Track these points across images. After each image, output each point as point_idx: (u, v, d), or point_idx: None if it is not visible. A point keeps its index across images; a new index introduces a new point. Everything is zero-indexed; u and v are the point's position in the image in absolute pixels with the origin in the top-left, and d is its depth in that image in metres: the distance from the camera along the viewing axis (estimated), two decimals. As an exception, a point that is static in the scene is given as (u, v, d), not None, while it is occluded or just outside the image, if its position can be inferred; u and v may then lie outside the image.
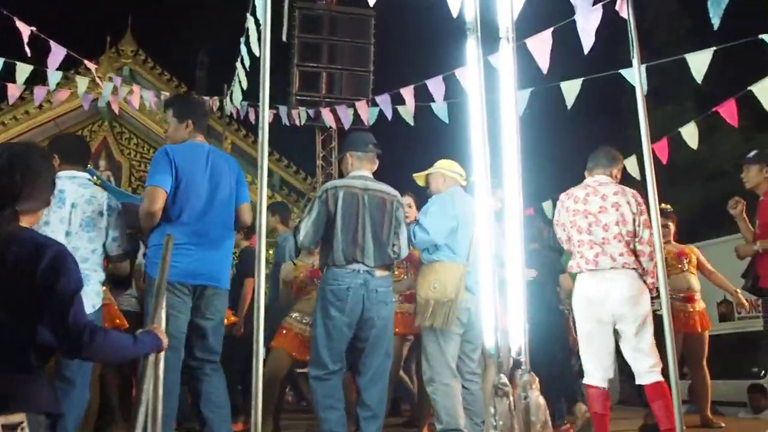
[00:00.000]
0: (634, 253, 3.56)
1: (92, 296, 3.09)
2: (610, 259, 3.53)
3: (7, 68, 5.33)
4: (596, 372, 3.56)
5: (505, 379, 2.42)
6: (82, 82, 6.49)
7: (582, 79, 4.75)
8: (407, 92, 5.10)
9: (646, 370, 3.48)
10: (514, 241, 2.69)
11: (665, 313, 2.93)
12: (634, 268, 3.53)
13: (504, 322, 2.65)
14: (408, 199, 4.56)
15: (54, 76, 5.76)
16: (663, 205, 5.03)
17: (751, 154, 4.27)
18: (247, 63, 4.32)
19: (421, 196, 4.42)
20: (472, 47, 2.66)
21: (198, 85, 15.63)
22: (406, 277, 4.59)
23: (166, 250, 2.46)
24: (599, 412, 3.54)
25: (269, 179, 13.39)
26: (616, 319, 3.52)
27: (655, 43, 14.66)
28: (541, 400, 2.44)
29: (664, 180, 14.21)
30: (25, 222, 1.84)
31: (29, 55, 5.11)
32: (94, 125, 13.76)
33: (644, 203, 3.62)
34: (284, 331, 4.35)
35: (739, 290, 4.93)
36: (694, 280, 4.96)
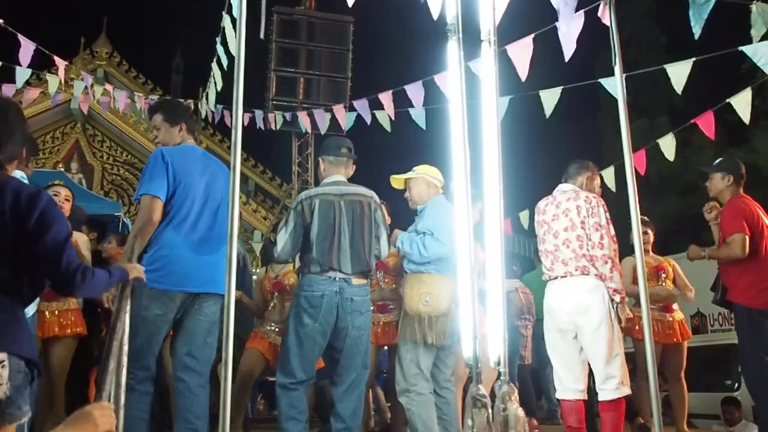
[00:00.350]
0: (590, 258, 3.47)
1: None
2: (561, 265, 3.51)
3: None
4: (567, 383, 3.50)
5: (483, 390, 2.35)
6: (53, 82, 6.31)
7: (561, 87, 4.73)
8: (386, 97, 5.04)
9: (599, 386, 3.40)
10: (494, 250, 2.63)
11: (645, 323, 2.88)
12: (586, 274, 3.45)
13: (483, 331, 2.58)
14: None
15: (23, 74, 5.60)
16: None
17: (715, 162, 4.29)
18: (224, 62, 4.22)
19: (394, 202, 4.35)
20: (453, 49, 2.61)
21: (173, 89, 15.44)
22: (380, 286, 4.47)
23: (132, 253, 2.37)
24: (574, 426, 3.46)
25: (244, 185, 13.25)
26: (576, 328, 3.47)
27: (629, 56, 14.86)
28: (521, 413, 2.37)
29: (639, 192, 14.43)
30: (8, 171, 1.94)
31: None
32: (66, 127, 13.53)
33: (599, 206, 3.57)
34: (259, 337, 4.27)
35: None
36: (672, 291, 4.96)
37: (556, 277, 3.54)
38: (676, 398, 4.95)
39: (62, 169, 11.63)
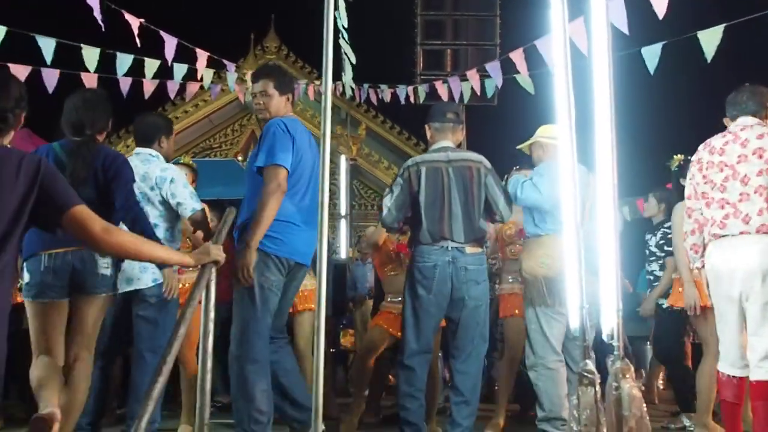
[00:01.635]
0: None
1: (154, 269, 3.26)
2: (742, 223, 2.91)
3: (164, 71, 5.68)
4: (734, 358, 2.98)
5: (590, 366, 2.14)
6: (231, 78, 6.87)
7: (723, 25, 4.16)
8: (518, 59, 4.77)
9: (755, 363, 2.85)
10: (606, 213, 2.41)
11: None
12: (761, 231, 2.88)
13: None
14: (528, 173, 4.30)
15: (206, 75, 6.16)
16: None
17: None
18: (345, 36, 4.24)
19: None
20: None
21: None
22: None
23: (224, 223, 2.47)
24: (731, 401, 3.00)
25: (401, 161, 13.43)
26: (749, 294, 2.88)
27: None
28: (636, 392, 2.13)
29: None
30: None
31: (171, 63, 5.43)
32: (243, 119, 14.60)
33: None
34: (385, 312, 4.26)
35: None
36: None
37: (727, 235, 2.94)
38: None
39: (240, 158, 12.66)
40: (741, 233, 2.90)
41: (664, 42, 4.50)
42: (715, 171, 3.04)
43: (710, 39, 4.27)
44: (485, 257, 3.48)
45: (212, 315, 2.41)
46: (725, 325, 3.02)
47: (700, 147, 3.19)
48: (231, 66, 6.59)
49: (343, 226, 8.28)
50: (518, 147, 3.94)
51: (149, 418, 1.84)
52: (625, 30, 3.73)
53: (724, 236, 2.96)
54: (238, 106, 13.89)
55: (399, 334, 3.96)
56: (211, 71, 6.19)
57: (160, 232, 3.28)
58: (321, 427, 2.09)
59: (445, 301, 3.30)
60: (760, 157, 2.93)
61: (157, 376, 1.86)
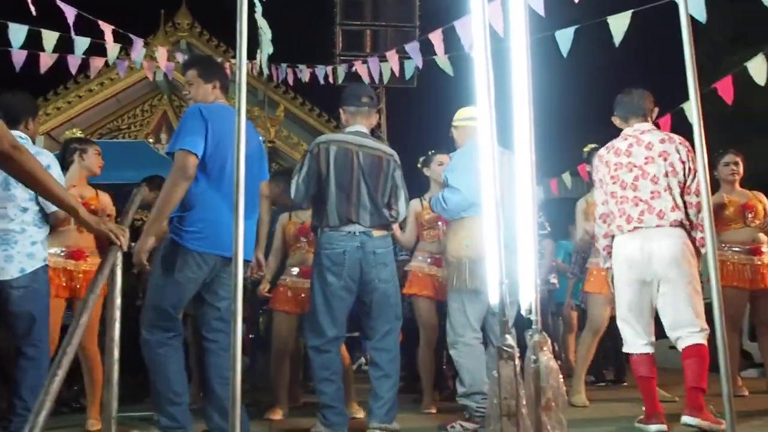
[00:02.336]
0: (685, 205, 3.27)
1: (21, 258, 3.00)
2: (656, 217, 3.25)
3: (65, 44, 5.33)
4: (639, 338, 3.30)
5: (510, 340, 2.16)
6: (139, 54, 6.49)
7: (630, 11, 4.32)
8: (437, 41, 4.78)
9: (686, 333, 3.18)
10: (526, 193, 2.42)
11: (711, 268, 2.53)
12: (682, 223, 3.25)
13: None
14: (443, 158, 4.34)
15: (113, 50, 5.83)
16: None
17: None
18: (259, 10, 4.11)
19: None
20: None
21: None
22: (440, 239, 4.32)
23: (132, 203, 2.33)
24: (646, 375, 3.26)
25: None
26: (659, 279, 3.23)
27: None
28: (553, 364, 2.17)
29: (738, 128, 13.25)
30: None
31: (74, 36, 5.10)
32: (153, 99, 14.00)
33: (690, 149, 3.29)
34: (281, 290, 4.18)
35: None
36: (760, 233, 4.47)
37: (644, 227, 3.25)
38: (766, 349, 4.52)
39: (152, 140, 12.15)
40: (657, 226, 3.23)
41: (576, 26, 4.63)
42: (624, 171, 3.34)
43: (619, 24, 4.43)
44: (391, 240, 3.50)
45: (118, 302, 2.27)
46: (637, 308, 3.29)
47: (603, 151, 3.47)
48: (139, 41, 6.26)
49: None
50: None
51: (47, 414, 1.70)
52: (541, 12, 3.80)
53: (639, 228, 3.25)
54: (148, 85, 13.28)
55: (299, 310, 3.94)
56: (117, 46, 5.87)
57: (29, 216, 3.07)
58: (238, 417, 2.00)
59: (356, 285, 3.31)
60: (665, 159, 3.30)
61: (56, 369, 1.73)
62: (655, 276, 3.23)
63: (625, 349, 3.38)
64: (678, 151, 3.31)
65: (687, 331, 3.17)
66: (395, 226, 4.03)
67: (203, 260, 2.88)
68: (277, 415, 4.00)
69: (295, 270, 4.19)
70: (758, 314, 4.58)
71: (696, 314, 3.18)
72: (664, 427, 3.12)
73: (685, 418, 3.06)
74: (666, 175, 3.28)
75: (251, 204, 2.98)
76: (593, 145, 4.62)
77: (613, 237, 3.39)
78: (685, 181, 3.28)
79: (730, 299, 3.81)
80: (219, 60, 8.47)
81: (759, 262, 4.42)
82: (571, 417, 2.43)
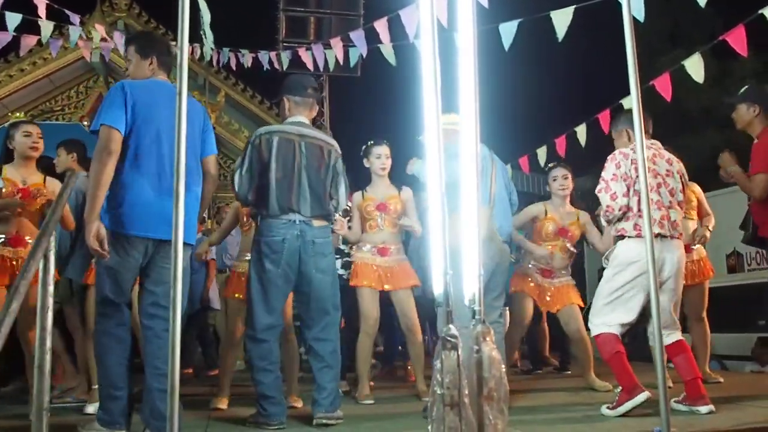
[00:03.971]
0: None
1: None
2: (670, 227, 3.46)
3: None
4: (615, 328, 3.45)
5: (453, 330, 2.17)
6: (74, 33, 6.21)
7: (573, 7, 4.40)
8: (382, 29, 4.75)
9: (667, 332, 3.40)
10: (468, 180, 2.43)
11: (650, 264, 2.61)
12: (680, 235, 3.55)
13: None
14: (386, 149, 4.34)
15: (46, 28, 5.56)
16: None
17: (740, 91, 3.95)
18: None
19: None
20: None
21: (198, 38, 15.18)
22: (381, 229, 4.31)
23: (66, 186, 2.22)
24: (619, 350, 3.40)
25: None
26: (661, 284, 3.37)
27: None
28: (496, 354, 2.19)
29: (675, 126, 13.77)
30: None
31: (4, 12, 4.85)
32: (89, 81, 13.48)
33: None
34: (236, 279, 4.12)
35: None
36: (691, 226, 4.65)
37: (660, 234, 3.39)
38: (698, 340, 4.73)
39: (86, 123, 11.69)
40: (671, 237, 3.46)
41: (519, 20, 4.69)
42: (650, 175, 3.42)
43: (562, 19, 4.51)
44: (330, 230, 3.49)
45: (51, 289, 2.17)
46: (630, 302, 3.43)
47: (628, 151, 3.51)
48: (75, 18, 6.00)
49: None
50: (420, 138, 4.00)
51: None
52: (485, 3, 3.82)
53: (659, 234, 3.38)
54: (83, 66, 12.78)
55: None
56: (50, 24, 5.62)
57: None
58: (176, 408, 1.95)
59: (294, 274, 3.29)
60: (681, 177, 3.59)
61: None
62: (659, 281, 3.35)
63: (596, 332, 3.47)
64: (682, 174, 3.60)
65: (671, 330, 3.41)
66: (343, 226, 4.03)
67: (129, 243, 2.81)
68: (223, 404, 3.92)
69: (248, 256, 4.13)
70: (688, 306, 4.76)
71: (677, 315, 3.51)
72: (649, 393, 3.21)
73: (702, 408, 3.20)
74: (681, 191, 3.55)
75: (191, 181, 2.92)
76: (552, 165, 4.82)
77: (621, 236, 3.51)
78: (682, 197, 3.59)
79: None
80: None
81: (689, 259, 4.57)
82: (512, 405, 2.46)
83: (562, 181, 4.61)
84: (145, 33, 3.80)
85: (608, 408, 3.30)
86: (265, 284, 3.25)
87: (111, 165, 2.75)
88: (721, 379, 4.55)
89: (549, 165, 4.84)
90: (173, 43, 3.34)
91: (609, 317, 3.44)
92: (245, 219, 4.16)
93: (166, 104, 2.90)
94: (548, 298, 4.58)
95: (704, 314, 4.72)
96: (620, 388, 3.35)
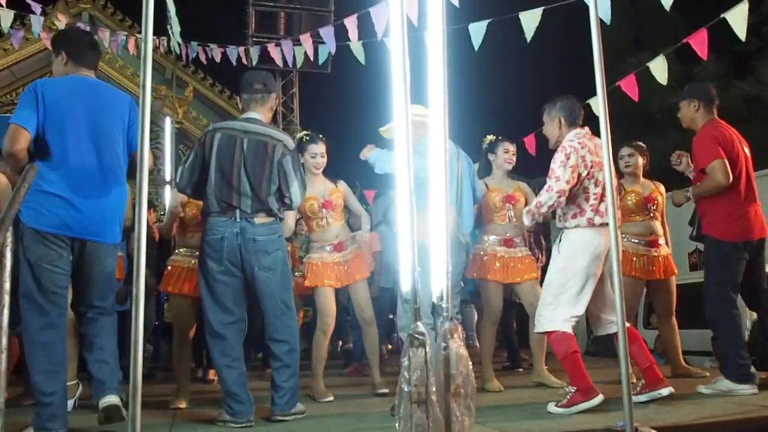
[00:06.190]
0: None
1: None
2: (602, 215, 3.45)
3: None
4: (567, 324, 3.42)
5: (421, 328, 2.18)
6: (36, 23, 6.07)
7: (542, 8, 4.45)
8: (352, 27, 4.75)
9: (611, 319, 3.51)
10: (438, 178, 2.45)
11: (614, 259, 2.66)
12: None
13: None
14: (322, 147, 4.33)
15: (6, 17, 5.42)
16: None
17: (683, 91, 4.04)
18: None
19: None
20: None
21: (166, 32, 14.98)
22: (330, 225, 4.29)
23: (23, 180, 2.17)
24: (576, 350, 3.42)
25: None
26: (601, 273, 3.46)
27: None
28: (463, 351, 2.21)
29: (638, 126, 14.02)
30: None
31: None
32: (51, 73, 13.18)
33: None
34: (172, 272, 4.08)
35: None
36: (658, 225, 4.73)
37: (604, 224, 3.40)
38: (670, 336, 4.79)
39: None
40: (604, 224, 3.38)
41: (489, 20, 4.72)
42: (597, 170, 3.45)
43: (530, 20, 4.56)
44: (278, 227, 3.40)
45: (7, 287, 2.12)
46: (584, 295, 3.43)
47: (585, 140, 3.50)
48: (37, 7, 5.87)
49: (167, 192, 7.82)
50: (380, 130, 4.01)
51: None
52: (455, 2, 3.83)
53: (603, 224, 3.38)
54: (45, 58, 12.47)
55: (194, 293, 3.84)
56: (11, 13, 5.48)
57: None
58: (138, 404, 1.92)
59: (239, 271, 3.27)
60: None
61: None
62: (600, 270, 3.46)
63: (549, 328, 3.44)
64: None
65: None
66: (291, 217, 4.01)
67: (43, 238, 2.77)
68: (181, 404, 3.88)
69: (183, 250, 4.15)
70: (658, 303, 4.82)
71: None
72: (603, 396, 3.24)
73: (663, 391, 3.34)
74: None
75: (109, 181, 2.91)
76: (492, 137, 4.75)
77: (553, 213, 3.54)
78: None
79: (628, 288, 4.01)
80: (124, 34, 8.09)
81: (656, 254, 4.66)
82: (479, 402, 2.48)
83: (510, 155, 4.64)
84: (63, 30, 3.77)
85: (557, 406, 3.28)
86: (210, 282, 3.26)
87: (15, 162, 2.78)
88: (707, 374, 4.56)
89: (492, 138, 4.74)
90: (139, 36, 3.28)
91: (560, 311, 3.42)
92: (191, 220, 4.11)
93: (81, 100, 2.88)
94: (512, 269, 4.49)
95: (673, 310, 4.75)
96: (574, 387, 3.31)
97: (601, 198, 3.42)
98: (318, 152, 4.27)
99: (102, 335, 2.93)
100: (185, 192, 3.43)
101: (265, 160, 3.32)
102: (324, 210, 4.25)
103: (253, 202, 3.28)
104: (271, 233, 3.33)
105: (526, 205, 4.42)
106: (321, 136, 4.36)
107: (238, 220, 3.25)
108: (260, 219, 3.30)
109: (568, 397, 3.28)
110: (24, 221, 2.75)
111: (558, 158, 3.44)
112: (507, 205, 4.53)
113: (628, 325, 3.46)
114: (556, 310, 3.43)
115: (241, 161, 3.28)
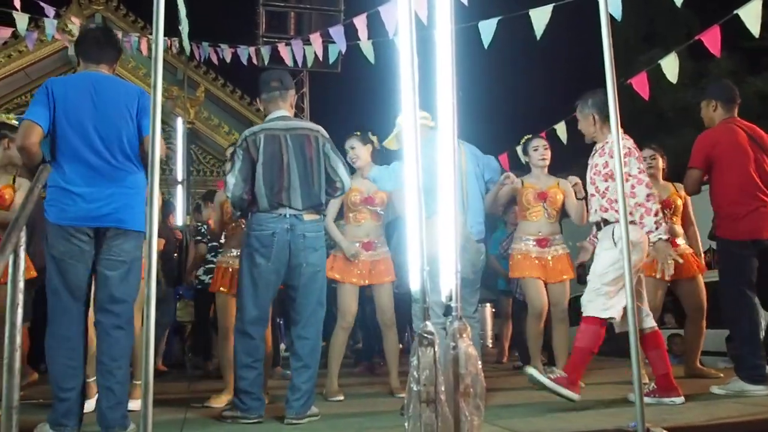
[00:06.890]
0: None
1: None
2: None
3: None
4: (614, 313, 3.42)
5: (430, 327, 2.18)
6: (50, 26, 6.13)
7: (552, 5, 4.43)
8: (361, 26, 4.74)
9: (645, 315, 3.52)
10: (446, 179, 2.44)
11: (626, 260, 2.64)
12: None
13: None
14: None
15: (21, 20, 5.48)
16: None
17: (707, 88, 4.05)
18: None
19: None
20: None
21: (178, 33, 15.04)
22: (365, 222, 4.29)
23: (37, 180, 2.19)
24: (594, 352, 3.46)
25: (242, 126, 12.98)
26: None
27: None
28: (472, 350, 2.20)
29: (652, 126, 13.91)
30: None
31: None
32: (65, 74, 13.26)
33: None
34: (222, 271, 4.09)
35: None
36: (676, 227, 4.64)
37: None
38: (695, 337, 4.68)
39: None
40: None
41: (498, 18, 4.70)
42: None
43: (540, 17, 4.53)
44: (322, 224, 3.47)
45: (21, 286, 2.13)
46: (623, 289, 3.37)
47: (634, 147, 3.52)
48: (50, 10, 5.92)
49: (179, 192, 7.88)
50: (385, 143, 4.04)
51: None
52: (464, 0, 3.82)
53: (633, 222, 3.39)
54: (60, 59, 12.63)
55: None
56: (26, 16, 5.54)
57: None
58: (150, 403, 1.93)
59: (284, 269, 3.29)
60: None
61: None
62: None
63: (604, 315, 3.42)
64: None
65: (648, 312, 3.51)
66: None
67: (66, 233, 2.79)
68: (220, 402, 3.82)
69: (232, 251, 4.09)
70: (688, 303, 4.69)
71: None
72: (579, 397, 3.32)
73: (676, 399, 3.35)
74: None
75: (122, 170, 2.92)
76: (527, 137, 4.74)
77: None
78: None
79: (651, 288, 4.09)
80: (137, 35, 8.14)
81: (686, 252, 4.55)
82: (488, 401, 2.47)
83: (543, 151, 4.61)
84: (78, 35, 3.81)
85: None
86: (255, 278, 3.26)
87: (28, 156, 2.80)
88: (721, 374, 4.49)
89: (526, 137, 4.76)
90: (151, 37, 3.30)
91: (616, 300, 3.38)
92: (227, 217, 4.11)
93: (89, 95, 2.91)
94: (551, 269, 4.48)
95: (704, 309, 4.63)
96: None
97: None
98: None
99: (112, 351, 2.84)
100: (242, 200, 3.33)
101: (311, 152, 3.35)
102: (364, 205, 4.25)
103: (303, 199, 3.30)
104: (318, 230, 3.39)
105: (563, 203, 4.48)
106: (357, 132, 4.35)
107: (287, 216, 3.26)
108: (309, 216, 3.33)
109: (558, 376, 3.40)
110: (48, 219, 2.79)
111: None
112: (541, 201, 4.52)
113: (655, 328, 3.50)
114: (613, 299, 3.40)
115: (290, 158, 3.30)
